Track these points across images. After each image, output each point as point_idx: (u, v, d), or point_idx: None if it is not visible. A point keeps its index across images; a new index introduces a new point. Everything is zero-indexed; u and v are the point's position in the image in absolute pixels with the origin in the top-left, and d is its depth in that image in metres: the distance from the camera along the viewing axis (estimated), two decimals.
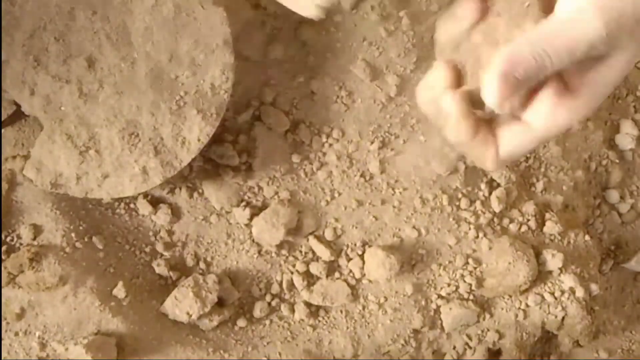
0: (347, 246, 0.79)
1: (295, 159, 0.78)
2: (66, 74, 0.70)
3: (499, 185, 0.82)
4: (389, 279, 0.78)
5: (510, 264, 0.78)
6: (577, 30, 0.41)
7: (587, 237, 0.84)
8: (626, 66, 0.43)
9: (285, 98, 0.78)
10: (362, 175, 0.79)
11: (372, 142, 0.79)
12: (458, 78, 0.44)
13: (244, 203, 0.78)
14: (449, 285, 0.79)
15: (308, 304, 0.79)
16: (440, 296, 0.79)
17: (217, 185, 0.78)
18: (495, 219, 0.81)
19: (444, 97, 0.43)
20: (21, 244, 0.74)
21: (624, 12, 0.40)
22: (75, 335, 0.71)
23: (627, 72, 0.44)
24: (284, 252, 0.79)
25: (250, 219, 0.78)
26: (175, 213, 0.78)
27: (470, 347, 0.80)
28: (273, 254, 0.79)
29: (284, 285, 0.79)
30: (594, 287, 0.81)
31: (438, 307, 0.79)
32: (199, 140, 0.71)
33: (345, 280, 0.79)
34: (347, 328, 0.78)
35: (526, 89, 0.41)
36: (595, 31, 0.40)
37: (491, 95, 0.41)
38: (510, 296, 0.80)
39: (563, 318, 0.80)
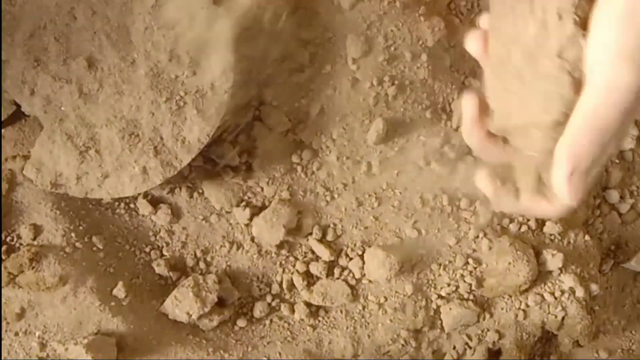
0: (347, 246, 0.79)
1: (295, 159, 0.78)
2: (66, 74, 0.70)
3: None
4: (389, 279, 0.78)
5: (510, 264, 0.78)
6: (617, 91, 0.38)
7: (587, 237, 0.84)
8: None
9: (285, 98, 0.78)
10: (362, 176, 0.79)
11: (372, 142, 0.79)
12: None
13: (244, 203, 0.78)
14: (449, 285, 0.79)
15: (308, 304, 0.79)
16: (440, 296, 0.79)
17: (217, 185, 0.78)
18: (495, 219, 0.81)
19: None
20: (21, 244, 0.74)
21: None
22: (75, 335, 0.71)
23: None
24: (284, 252, 0.79)
25: (250, 219, 0.78)
26: (175, 213, 0.78)
27: (470, 347, 0.79)
28: (273, 254, 0.79)
29: (284, 285, 0.79)
30: (594, 287, 0.81)
31: (438, 307, 0.79)
32: (199, 140, 0.71)
33: (345, 280, 0.79)
34: (347, 328, 0.78)
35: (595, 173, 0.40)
36: (632, 82, 0.37)
37: (566, 198, 0.40)
38: (510, 296, 0.80)
39: (563, 318, 0.80)
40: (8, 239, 0.74)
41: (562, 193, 0.40)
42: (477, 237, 0.80)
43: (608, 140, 0.39)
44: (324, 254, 0.78)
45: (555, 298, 0.80)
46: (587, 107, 0.39)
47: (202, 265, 0.78)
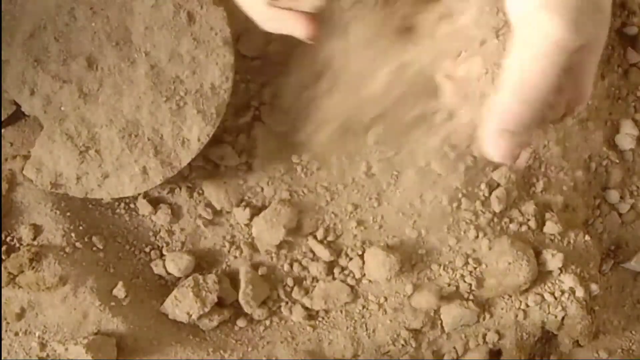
0: (347, 246, 0.79)
1: (295, 159, 0.78)
2: (66, 74, 0.70)
3: (499, 185, 0.82)
4: (389, 279, 0.78)
5: (510, 264, 0.78)
6: (540, 45, 0.37)
7: (587, 237, 0.84)
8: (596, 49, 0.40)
9: (285, 98, 0.78)
10: (362, 175, 0.79)
11: (372, 142, 0.79)
12: None
13: (244, 203, 0.78)
14: (449, 285, 0.79)
15: (308, 305, 0.78)
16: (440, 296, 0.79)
17: (217, 185, 0.78)
18: (495, 219, 0.81)
19: None
20: (21, 244, 0.74)
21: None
22: (75, 335, 0.71)
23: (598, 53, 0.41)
24: (284, 252, 0.79)
25: (250, 219, 0.78)
26: (175, 213, 0.78)
27: (470, 348, 0.79)
28: (273, 254, 0.79)
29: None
30: (594, 287, 0.81)
31: (438, 307, 0.79)
32: (199, 140, 0.71)
33: (345, 281, 0.79)
34: (347, 328, 0.78)
35: (530, 132, 0.40)
36: (560, 32, 0.36)
37: (496, 156, 0.41)
38: (510, 296, 0.80)
39: (563, 318, 0.80)
40: (8, 239, 0.74)
41: (485, 148, 0.41)
42: (477, 237, 0.80)
43: (537, 99, 0.38)
44: (324, 254, 0.78)
45: (555, 298, 0.80)
46: (515, 65, 0.38)
47: (202, 265, 0.78)
